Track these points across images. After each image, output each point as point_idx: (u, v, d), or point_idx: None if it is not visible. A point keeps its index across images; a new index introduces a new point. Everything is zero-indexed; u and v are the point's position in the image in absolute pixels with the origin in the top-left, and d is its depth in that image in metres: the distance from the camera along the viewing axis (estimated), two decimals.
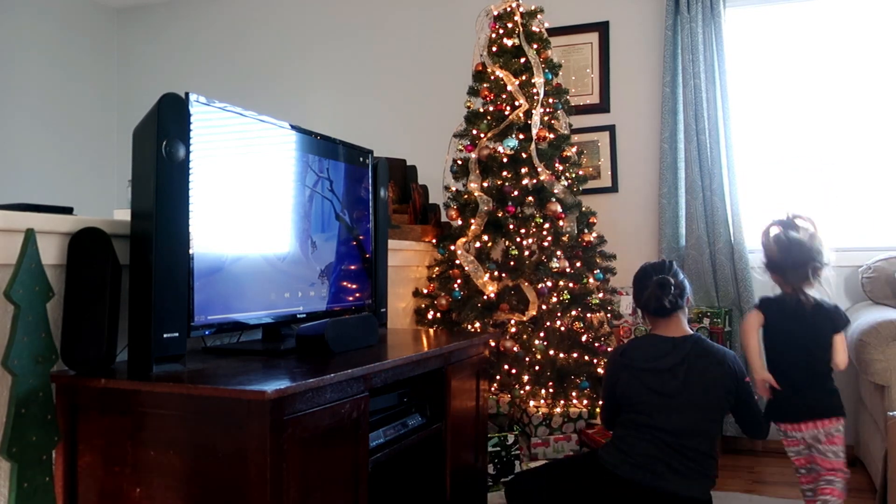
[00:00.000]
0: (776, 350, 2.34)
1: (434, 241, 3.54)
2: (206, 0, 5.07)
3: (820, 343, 2.29)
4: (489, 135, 3.35)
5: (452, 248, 3.34)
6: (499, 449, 2.89)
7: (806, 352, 2.29)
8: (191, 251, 1.71)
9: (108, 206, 4.54)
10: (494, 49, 3.45)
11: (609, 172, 4.06)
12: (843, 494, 2.26)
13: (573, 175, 3.42)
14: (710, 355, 2.21)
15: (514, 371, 3.13)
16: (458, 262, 3.29)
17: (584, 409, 3.13)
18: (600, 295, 3.29)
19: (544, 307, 3.18)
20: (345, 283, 2.39)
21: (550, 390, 3.13)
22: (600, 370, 3.14)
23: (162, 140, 1.59)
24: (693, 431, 2.15)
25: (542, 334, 3.15)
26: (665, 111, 3.86)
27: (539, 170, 3.26)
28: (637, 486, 2.11)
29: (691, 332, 2.29)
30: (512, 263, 3.26)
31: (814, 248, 2.30)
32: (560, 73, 3.57)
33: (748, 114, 3.92)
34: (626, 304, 3.64)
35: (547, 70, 3.43)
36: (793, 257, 2.30)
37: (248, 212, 1.94)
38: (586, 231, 3.38)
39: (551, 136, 3.37)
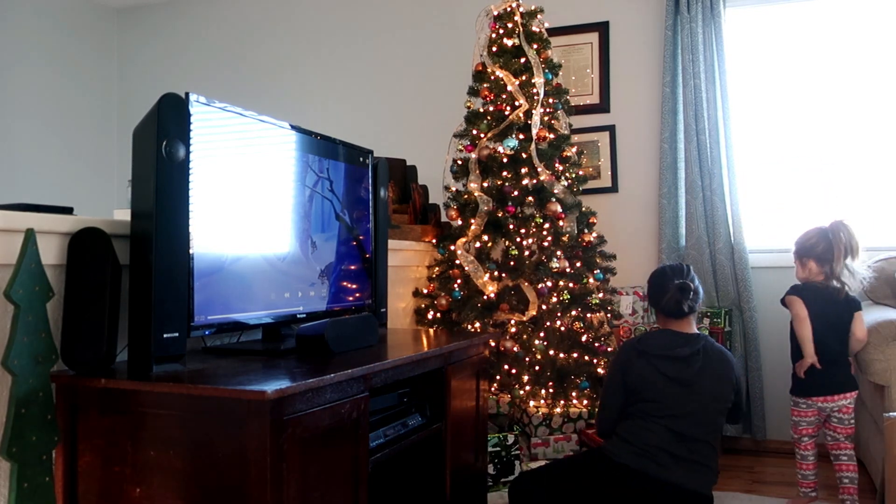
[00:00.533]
0: (816, 332, 2.67)
1: (434, 241, 3.54)
2: (207, 0, 5.07)
3: (846, 323, 2.70)
4: (489, 135, 3.35)
5: (452, 248, 3.34)
6: (499, 449, 2.89)
7: (837, 332, 2.69)
8: (191, 251, 1.71)
9: (108, 206, 4.55)
10: (494, 49, 3.45)
11: (609, 172, 4.06)
12: (856, 465, 2.70)
13: (573, 175, 3.42)
14: (720, 352, 2.35)
15: (514, 371, 3.13)
16: (458, 262, 3.29)
17: (584, 409, 3.13)
18: (600, 295, 3.29)
19: (544, 307, 3.18)
20: (345, 283, 2.39)
21: (550, 390, 3.14)
22: (600, 370, 3.15)
23: (162, 140, 1.59)
24: (702, 421, 2.22)
25: (542, 334, 3.15)
26: (665, 111, 3.86)
27: (539, 170, 3.26)
28: (641, 476, 2.14)
29: (698, 332, 2.40)
30: (512, 263, 3.26)
31: (852, 245, 2.72)
32: (560, 73, 3.57)
33: (748, 114, 3.92)
34: (626, 304, 3.64)
35: (547, 70, 3.43)
36: (837, 249, 2.71)
37: (248, 212, 1.94)
38: (586, 231, 3.38)
39: (551, 136, 3.37)
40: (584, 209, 3.40)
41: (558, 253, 3.23)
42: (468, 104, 3.51)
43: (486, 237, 3.31)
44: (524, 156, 3.29)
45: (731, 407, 2.36)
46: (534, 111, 3.32)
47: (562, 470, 2.32)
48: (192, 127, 1.70)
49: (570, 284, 3.22)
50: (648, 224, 3.97)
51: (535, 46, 3.42)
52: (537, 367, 3.12)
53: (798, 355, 2.72)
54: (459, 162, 3.46)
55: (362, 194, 2.51)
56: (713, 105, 3.76)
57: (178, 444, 1.47)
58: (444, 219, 3.64)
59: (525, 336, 3.15)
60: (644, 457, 2.16)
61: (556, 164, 3.36)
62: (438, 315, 3.33)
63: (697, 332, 2.39)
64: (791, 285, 2.85)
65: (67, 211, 1.72)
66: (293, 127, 2.14)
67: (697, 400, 2.22)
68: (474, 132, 3.41)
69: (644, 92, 4.03)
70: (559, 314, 3.20)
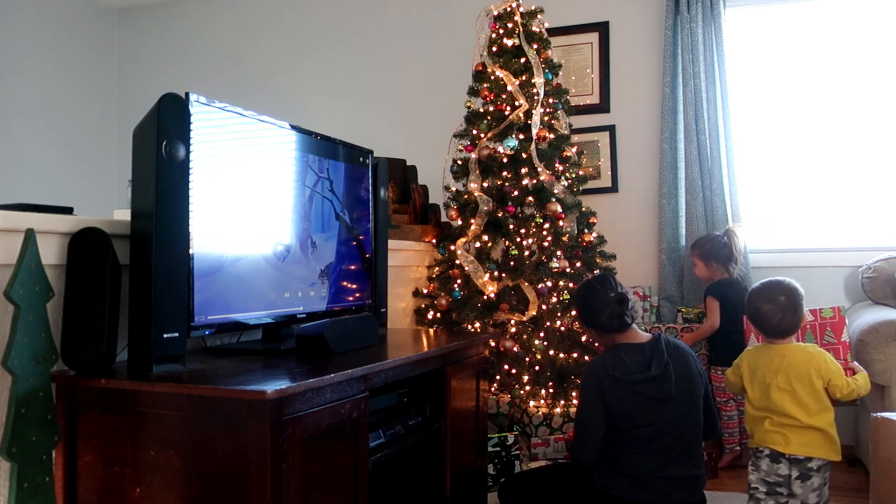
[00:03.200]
0: (734, 316, 3.17)
1: (434, 241, 3.54)
2: (207, 0, 5.07)
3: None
4: (489, 135, 3.35)
5: (452, 248, 3.34)
6: (499, 449, 2.89)
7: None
8: (191, 251, 1.71)
9: (108, 206, 4.54)
10: (494, 49, 3.45)
11: (609, 172, 4.06)
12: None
13: (573, 175, 3.42)
14: (683, 350, 2.21)
15: (514, 371, 3.13)
16: (458, 262, 3.29)
17: None
18: None
19: (544, 307, 3.17)
20: (345, 283, 2.39)
21: (550, 390, 3.13)
22: None
23: (162, 140, 1.59)
24: (691, 427, 2.15)
25: (542, 334, 3.15)
26: (665, 111, 3.86)
27: (539, 170, 3.26)
28: (633, 502, 2.09)
29: (648, 334, 2.24)
30: (512, 263, 3.26)
31: (741, 247, 3.40)
32: (560, 73, 3.56)
33: (748, 114, 3.92)
34: None
35: (547, 70, 3.43)
36: (736, 253, 3.39)
37: (248, 212, 1.94)
38: (586, 231, 3.38)
39: (551, 136, 3.37)
40: (584, 209, 3.40)
41: (558, 253, 3.22)
42: (468, 104, 3.51)
43: (486, 237, 3.31)
44: (524, 156, 3.29)
45: (704, 405, 2.23)
46: (534, 111, 3.31)
47: (553, 476, 2.29)
48: (192, 127, 1.70)
49: (570, 284, 3.22)
50: (648, 224, 3.97)
51: (535, 46, 3.42)
52: (537, 367, 3.12)
53: (724, 334, 3.30)
54: (459, 162, 3.46)
55: (362, 194, 2.51)
56: (713, 105, 3.76)
57: (178, 444, 1.47)
58: (444, 219, 3.64)
59: (525, 336, 3.15)
60: (637, 487, 2.09)
61: (556, 164, 3.36)
62: (438, 315, 3.33)
63: (649, 335, 2.22)
64: (710, 285, 3.39)
65: (67, 211, 1.71)
66: (293, 127, 2.14)
67: (680, 414, 2.12)
68: (474, 132, 3.41)
69: (644, 92, 4.03)
70: (559, 314, 3.20)
